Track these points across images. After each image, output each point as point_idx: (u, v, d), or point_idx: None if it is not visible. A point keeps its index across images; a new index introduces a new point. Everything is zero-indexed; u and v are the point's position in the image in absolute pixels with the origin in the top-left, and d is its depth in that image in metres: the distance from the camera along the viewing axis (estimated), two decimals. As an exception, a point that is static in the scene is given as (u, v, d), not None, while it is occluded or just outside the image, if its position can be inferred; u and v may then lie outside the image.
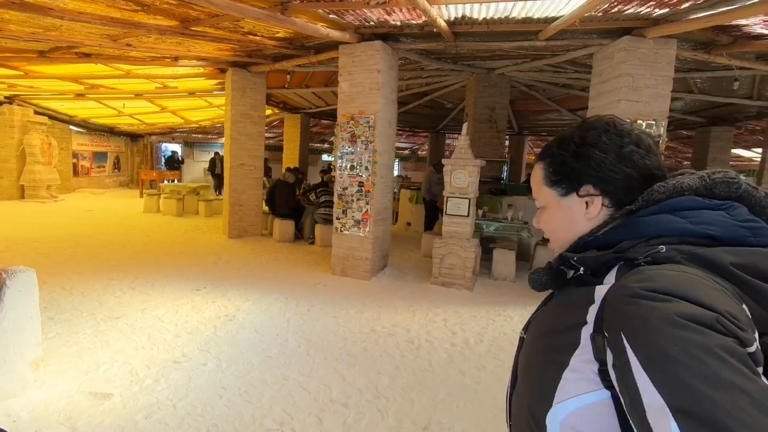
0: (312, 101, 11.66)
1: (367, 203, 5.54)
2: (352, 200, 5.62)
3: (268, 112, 12.72)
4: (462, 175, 5.22)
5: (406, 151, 21.82)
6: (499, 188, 8.51)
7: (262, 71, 7.43)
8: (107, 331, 3.67)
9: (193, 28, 4.77)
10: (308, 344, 3.62)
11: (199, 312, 4.22)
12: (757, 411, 0.47)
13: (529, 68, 7.38)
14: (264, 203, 8.44)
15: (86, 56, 6.42)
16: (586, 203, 0.78)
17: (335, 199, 5.79)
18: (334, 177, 5.82)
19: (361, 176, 5.55)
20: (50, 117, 12.37)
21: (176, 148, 18.90)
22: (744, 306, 0.59)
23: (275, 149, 17.06)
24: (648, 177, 0.74)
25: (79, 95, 10.27)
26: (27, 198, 11.23)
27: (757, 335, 0.57)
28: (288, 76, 8.05)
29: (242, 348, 3.49)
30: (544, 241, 5.88)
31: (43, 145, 11.35)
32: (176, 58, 6.82)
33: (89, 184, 15.22)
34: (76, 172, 14.71)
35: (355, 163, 5.57)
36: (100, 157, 15.92)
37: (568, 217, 0.80)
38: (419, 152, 21.59)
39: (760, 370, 0.54)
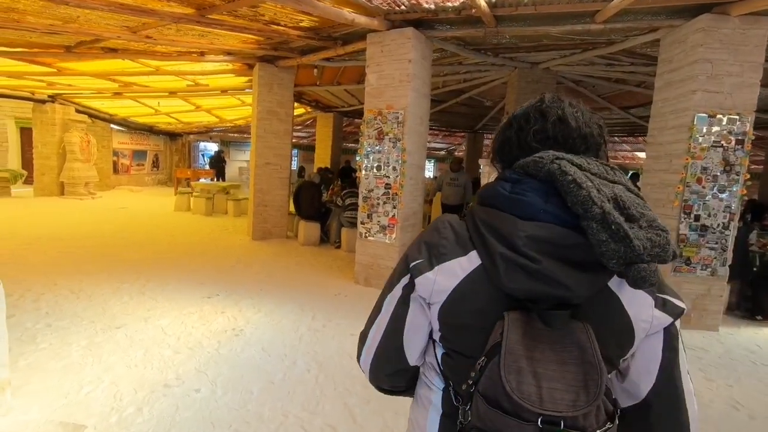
0: (345, 99, 11.29)
1: (395, 207, 5.04)
2: (378, 203, 5.14)
3: (301, 110, 12.49)
4: (501, 178, 4.62)
5: (442, 152, 21.16)
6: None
7: (290, 66, 7.08)
8: (103, 343, 3.35)
9: (210, 16, 4.44)
10: (318, 368, 3.16)
11: (206, 324, 3.85)
12: (387, 292, 0.86)
13: (578, 61, 6.64)
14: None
15: (112, 51, 6.29)
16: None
17: (360, 201, 5.32)
18: (359, 177, 5.35)
19: (389, 177, 5.06)
20: (91, 116, 12.65)
21: (215, 147, 19.14)
22: (455, 243, 0.79)
23: (308, 149, 16.88)
24: (520, 155, 0.83)
25: (117, 94, 10.37)
26: (66, 194, 11.49)
27: (433, 258, 0.79)
28: (315, 71, 7.66)
29: (244, 370, 3.07)
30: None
31: (82, 142, 11.58)
32: (202, 53, 6.59)
33: (128, 181, 15.57)
34: (116, 170, 15.07)
35: (381, 163, 5.08)
36: (139, 155, 16.27)
37: None
38: (456, 153, 20.87)
39: (428, 272, 0.78)
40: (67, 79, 8.72)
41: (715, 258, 4.05)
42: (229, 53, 6.67)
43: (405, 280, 0.82)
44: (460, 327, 0.78)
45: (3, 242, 6.30)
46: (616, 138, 15.01)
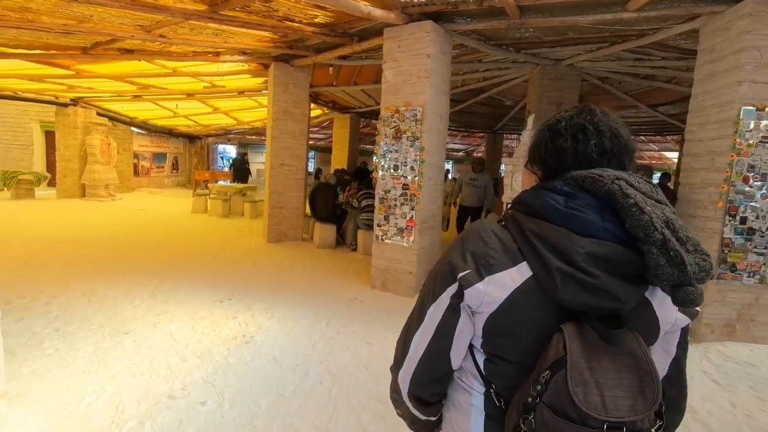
0: (362, 100, 11.13)
1: (412, 209, 4.83)
2: (396, 205, 4.93)
3: (317, 112, 12.39)
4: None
5: (461, 153, 20.84)
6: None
7: (305, 65, 6.95)
8: (110, 349, 3.24)
9: (222, 12, 4.32)
10: (332, 380, 2.97)
11: (216, 329, 3.71)
12: (431, 302, 0.86)
13: (605, 56, 6.31)
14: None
15: (128, 52, 6.27)
16: (536, 176, 0.95)
17: (376, 203, 5.13)
18: (375, 178, 5.16)
19: (406, 177, 4.85)
20: (112, 119, 12.82)
21: (234, 149, 19.23)
22: (503, 254, 0.81)
23: (326, 150, 16.81)
24: (575, 166, 0.85)
25: (136, 96, 10.45)
26: (87, 196, 11.64)
27: (482, 269, 0.80)
28: (331, 70, 7.52)
29: (253, 381, 2.90)
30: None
31: (102, 145, 11.73)
32: (217, 53, 6.51)
33: (149, 183, 15.75)
34: (136, 172, 15.26)
35: (399, 163, 4.88)
36: (159, 157, 16.46)
37: (528, 183, 0.97)
38: (475, 154, 20.51)
39: (477, 283, 0.80)
40: (86, 81, 8.80)
41: (764, 264, 3.71)
42: (244, 53, 6.58)
43: (452, 289, 0.83)
44: (508, 335, 0.81)
45: (24, 243, 6.33)
46: (642, 137, 14.46)
